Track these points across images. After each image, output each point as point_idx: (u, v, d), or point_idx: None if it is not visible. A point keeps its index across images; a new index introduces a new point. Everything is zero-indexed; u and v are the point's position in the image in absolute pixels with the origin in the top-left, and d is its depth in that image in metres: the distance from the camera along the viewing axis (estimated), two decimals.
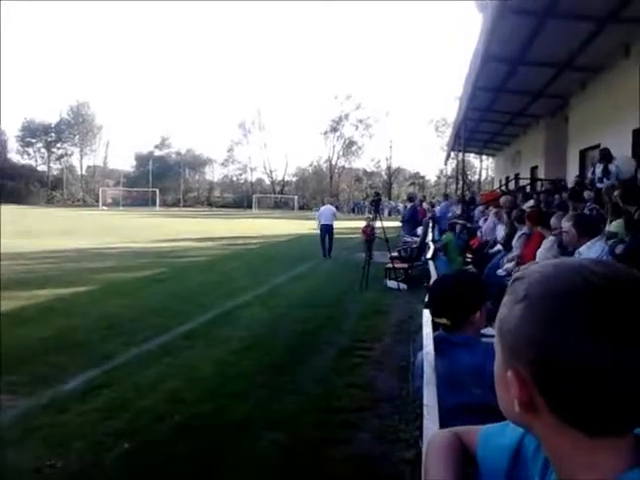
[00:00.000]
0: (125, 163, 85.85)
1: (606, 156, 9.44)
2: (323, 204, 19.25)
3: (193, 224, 33.26)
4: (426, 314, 2.61)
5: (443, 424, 1.46)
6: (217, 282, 11.49)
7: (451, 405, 1.93)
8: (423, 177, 78.87)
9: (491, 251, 9.72)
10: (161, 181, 75.10)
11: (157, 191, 68.97)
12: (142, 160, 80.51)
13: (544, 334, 0.71)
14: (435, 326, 2.48)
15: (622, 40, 10.07)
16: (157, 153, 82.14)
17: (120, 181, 76.69)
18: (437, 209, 19.24)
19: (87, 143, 80.00)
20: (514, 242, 7.96)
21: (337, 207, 19.12)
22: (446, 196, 19.65)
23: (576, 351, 0.68)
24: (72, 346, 6.56)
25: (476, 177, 57.77)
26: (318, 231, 16.85)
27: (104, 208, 60.68)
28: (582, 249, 5.01)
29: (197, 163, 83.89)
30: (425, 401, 1.61)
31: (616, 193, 6.61)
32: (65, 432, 4.26)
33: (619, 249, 4.07)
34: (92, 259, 14.92)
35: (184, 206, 73.62)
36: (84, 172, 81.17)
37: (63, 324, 7.60)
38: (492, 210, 11.85)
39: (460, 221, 14.08)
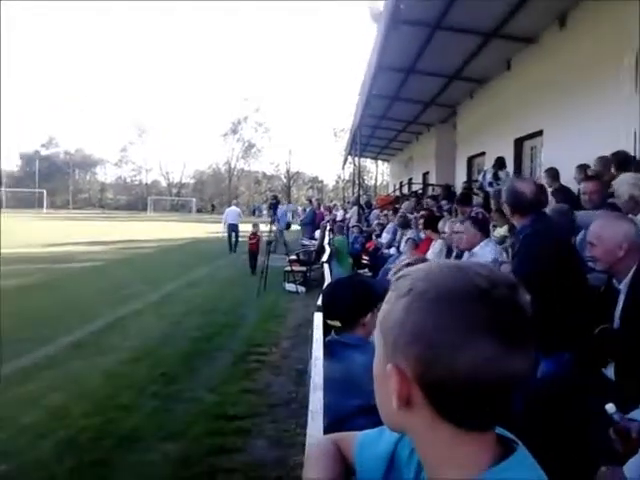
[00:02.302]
0: (9, 162, 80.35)
1: (501, 164, 10.05)
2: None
3: (83, 227, 31.66)
4: (317, 318, 2.61)
5: (345, 426, 1.46)
6: (108, 288, 11.02)
7: (352, 407, 1.94)
8: (322, 181, 79.92)
9: (385, 251, 10.01)
10: (49, 182, 71.11)
11: (44, 192, 65.21)
12: (28, 160, 75.90)
13: (427, 331, 0.73)
14: (327, 330, 2.50)
15: (504, 54, 10.74)
16: (44, 152, 77.67)
17: (2, 181, 71.61)
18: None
19: None
20: (402, 247, 8.24)
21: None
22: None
23: (457, 350, 0.71)
24: None
25: (372, 182, 59.39)
26: (225, 232, 18.81)
27: None
28: (476, 249, 5.21)
29: (87, 163, 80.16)
30: (310, 407, 1.60)
31: (502, 199, 7.00)
32: None
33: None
34: None
35: (74, 208, 70.05)
36: None
37: None
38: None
39: (357, 224, 14.40)
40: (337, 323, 2.39)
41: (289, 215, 18.35)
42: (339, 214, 21.98)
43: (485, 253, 5.09)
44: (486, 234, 5.38)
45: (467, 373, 0.71)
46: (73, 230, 28.45)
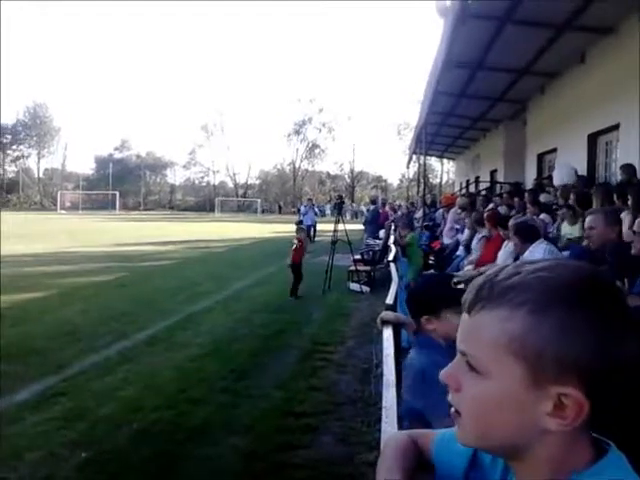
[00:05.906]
0: (84, 166, 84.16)
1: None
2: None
3: (154, 227, 32.72)
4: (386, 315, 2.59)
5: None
6: (178, 287, 11.31)
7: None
8: (385, 180, 79.52)
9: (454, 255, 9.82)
10: (121, 184, 73.82)
11: (117, 194, 67.77)
12: (102, 163, 79.14)
13: (593, 342, 0.68)
14: (397, 331, 2.47)
15: (578, 47, 10.33)
16: (117, 155, 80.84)
17: (79, 184, 74.93)
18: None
19: (45, 145, 77.96)
20: (473, 244, 8.04)
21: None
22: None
23: (620, 349, 0.69)
24: (26, 354, 6.35)
25: (437, 180, 58.54)
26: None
27: (63, 212, 59.40)
28: (525, 255, 4.99)
29: (158, 166, 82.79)
30: (384, 403, 1.59)
31: (572, 197, 6.80)
32: (18, 444, 4.12)
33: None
34: (49, 264, 14.53)
35: (145, 209, 72.54)
36: (42, 175, 79.22)
37: (17, 332, 7.33)
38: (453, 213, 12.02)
39: (422, 224, 14.24)
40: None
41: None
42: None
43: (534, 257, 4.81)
44: (532, 240, 5.07)
45: (631, 370, 0.69)
46: (145, 230, 29.46)
